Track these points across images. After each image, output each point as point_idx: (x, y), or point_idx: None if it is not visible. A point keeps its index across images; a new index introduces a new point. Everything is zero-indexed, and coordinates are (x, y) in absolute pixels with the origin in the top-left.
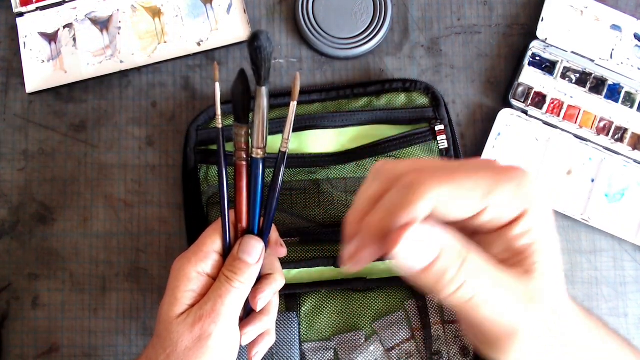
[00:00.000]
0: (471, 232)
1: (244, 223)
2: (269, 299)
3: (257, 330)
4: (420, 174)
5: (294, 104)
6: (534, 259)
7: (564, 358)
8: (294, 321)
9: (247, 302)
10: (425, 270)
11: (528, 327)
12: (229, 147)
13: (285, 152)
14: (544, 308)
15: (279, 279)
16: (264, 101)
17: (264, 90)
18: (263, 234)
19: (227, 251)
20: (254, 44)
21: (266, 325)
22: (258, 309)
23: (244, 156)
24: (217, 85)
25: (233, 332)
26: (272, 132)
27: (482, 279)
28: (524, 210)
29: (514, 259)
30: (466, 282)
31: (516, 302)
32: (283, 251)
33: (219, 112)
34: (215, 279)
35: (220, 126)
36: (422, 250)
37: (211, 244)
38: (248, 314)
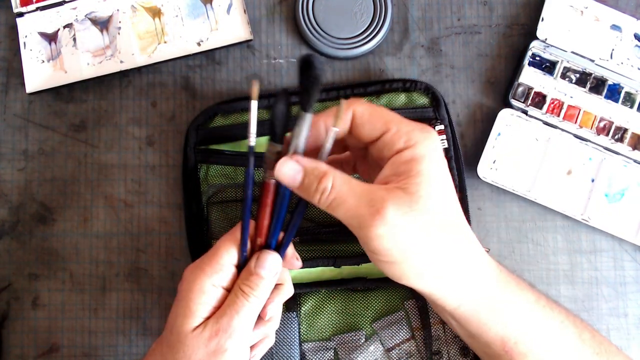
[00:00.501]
0: (376, 159)
1: (264, 238)
2: (278, 308)
3: (259, 335)
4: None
5: (254, 104)
6: (411, 180)
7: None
8: (294, 321)
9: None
10: (299, 186)
11: (389, 206)
12: (229, 146)
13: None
14: (411, 204)
15: (288, 289)
16: (306, 125)
17: (308, 117)
18: (281, 249)
19: (242, 264)
20: (310, 72)
21: (269, 330)
22: (266, 319)
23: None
24: (254, 103)
25: (246, 346)
26: None
27: (341, 188)
28: (413, 143)
29: (396, 179)
30: (326, 190)
31: (377, 191)
32: (298, 264)
33: (253, 130)
34: (229, 291)
35: (252, 144)
36: (292, 173)
37: (227, 256)
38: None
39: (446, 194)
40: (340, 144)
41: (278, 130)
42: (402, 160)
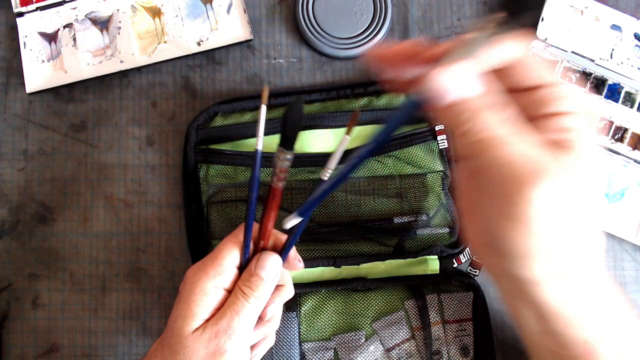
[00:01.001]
0: (520, 107)
1: (266, 240)
2: (278, 309)
3: (259, 336)
4: None
5: (263, 108)
6: (577, 150)
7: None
8: (294, 321)
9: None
10: (454, 106)
11: (555, 171)
12: (229, 146)
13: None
14: (576, 168)
15: (289, 290)
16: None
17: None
18: (283, 251)
19: (244, 265)
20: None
21: (269, 331)
22: (266, 319)
23: (283, 178)
24: (264, 107)
25: (247, 347)
26: (272, 132)
27: (507, 125)
28: (578, 111)
29: (561, 143)
30: (489, 119)
31: (543, 149)
32: (300, 266)
33: (261, 134)
34: (230, 292)
35: (259, 149)
36: (465, 82)
37: (229, 258)
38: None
39: (597, 182)
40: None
41: (289, 137)
42: (566, 125)
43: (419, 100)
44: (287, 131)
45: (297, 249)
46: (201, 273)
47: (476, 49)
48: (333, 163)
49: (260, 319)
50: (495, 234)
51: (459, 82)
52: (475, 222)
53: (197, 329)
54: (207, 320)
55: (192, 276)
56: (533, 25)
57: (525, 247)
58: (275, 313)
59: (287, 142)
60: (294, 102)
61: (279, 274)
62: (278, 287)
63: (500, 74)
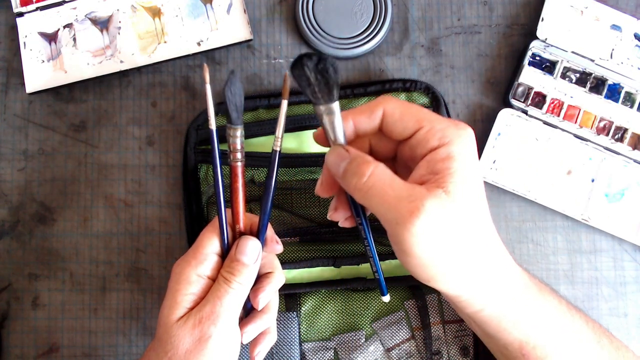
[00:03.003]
0: (406, 159)
1: (241, 224)
2: (270, 297)
3: (257, 329)
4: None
5: (284, 103)
6: (448, 180)
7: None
8: (294, 321)
9: (246, 302)
10: (342, 173)
11: (429, 206)
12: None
13: (277, 151)
14: (449, 204)
15: (279, 276)
16: (337, 116)
17: (336, 105)
18: (259, 234)
19: (225, 252)
20: (321, 65)
21: (267, 323)
22: (259, 308)
23: (240, 157)
24: (208, 87)
25: (233, 332)
26: (272, 133)
27: (380, 177)
28: (448, 141)
29: (433, 178)
30: (364, 175)
31: (417, 188)
32: (279, 248)
33: (211, 114)
34: (215, 281)
35: (213, 128)
36: (338, 160)
37: (209, 246)
38: (248, 313)
39: (480, 196)
40: (365, 147)
41: (233, 112)
42: (438, 158)
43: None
44: (230, 107)
45: (297, 249)
46: (184, 263)
47: (334, 132)
48: (279, 131)
49: (255, 310)
50: (404, 265)
51: (332, 158)
52: (397, 257)
53: (181, 317)
54: (192, 309)
55: (176, 267)
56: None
57: (427, 274)
58: (269, 302)
59: (234, 118)
60: (229, 77)
61: (259, 257)
62: (267, 274)
63: (385, 133)
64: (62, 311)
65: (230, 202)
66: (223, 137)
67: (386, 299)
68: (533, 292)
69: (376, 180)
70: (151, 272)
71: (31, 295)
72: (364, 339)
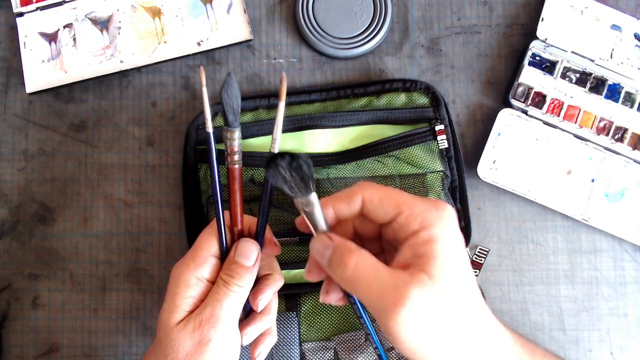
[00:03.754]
0: (390, 239)
1: (240, 226)
2: (269, 299)
3: (257, 330)
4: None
5: (282, 104)
6: (431, 262)
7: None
8: (294, 321)
9: (246, 303)
10: (327, 262)
11: (414, 293)
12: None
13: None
14: (433, 289)
15: (278, 278)
16: (316, 205)
17: (314, 196)
18: (258, 236)
19: (224, 255)
20: (294, 162)
21: (266, 324)
22: (259, 310)
23: (237, 159)
24: (204, 89)
25: (233, 335)
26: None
27: (364, 267)
28: (429, 224)
29: (416, 262)
30: (347, 266)
31: (402, 274)
32: (277, 249)
33: (208, 116)
34: (214, 283)
35: (210, 130)
36: (322, 248)
37: (208, 249)
38: (248, 314)
39: (465, 275)
40: (349, 229)
41: (230, 114)
42: (420, 241)
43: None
44: (227, 110)
45: (297, 249)
46: (183, 266)
47: (315, 221)
48: (276, 133)
49: (254, 311)
50: (395, 347)
51: (316, 246)
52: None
53: (181, 320)
54: (192, 312)
55: (175, 270)
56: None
57: (417, 358)
58: (269, 303)
59: (231, 121)
60: (226, 79)
61: (258, 259)
62: (267, 275)
63: (367, 218)
64: (62, 311)
65: (229, 205)
66: (221, 138)
67: None
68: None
69: (360, 271)
70: (151, 272)
71: (31, 295)
72: (364, 339)
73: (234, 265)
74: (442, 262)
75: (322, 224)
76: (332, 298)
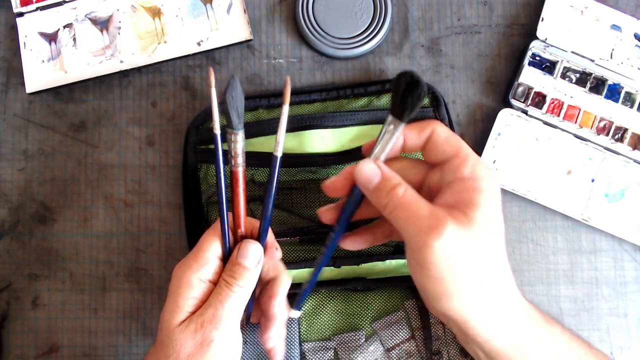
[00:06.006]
0: (432, 186)
1: (242, 228)
2: (284, 301)
3: (278, 335)
4: None
5: (286, 108)
6: (472, 209)
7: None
8: (294, 321)
9: (248, 305)
10: (373, 188)
11: (451, 226)
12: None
13: (277, 157)
14: (470, 229)
15: (287, 278)
16: (397, 135)
17: (401, 127)
18: (260, 238)
19: (227, 256)
20: (416, 89)
21: (281, 324)
22: (277, 314)
23: (240, 162)
24: (213, 91)
25: (235, 336)
26: (272, 132)
27: (410, 197)
28: (479, 175)
29: (457, 205)
30: (396, 195)
31: (441, 210)
32: (278, 254)
33: (216, 117)
34: (216, 284)
35: (217, 132)
36: (370, 174)
37: (210, 250)
38: (249, 316)
39: (499, 230)
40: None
41: (234, 116)
42: (466, 187)
43: (358, 193)
44: (231, 112)
45: (297, 249)
46: (185, 267)
47: (385, 146)
48: (280, 136)
49: (268, 319)
50: (418, 280)
51: (373, 172)
52: (411, 273)
53: (183, 321)
54: (193, 313)
55: (177, 271)
56: (417, 116)
57: (439, 290)
58: (283, 307)
59: (235, 123)
60: (230, 81)
61: (261, 260)
62: (275, 278)
63: (424, 153)
64: (62, 311)
65: (232, 207)
66: (223, 137)
67: (295, 314)
68: (540, 324)
69: (404, 200)
70: (151, 272)
71: (31, 295)
72: (364, 339)
73: (237, 266)
74: (483, 211)
75: (386, 153)
76: (328, 217)
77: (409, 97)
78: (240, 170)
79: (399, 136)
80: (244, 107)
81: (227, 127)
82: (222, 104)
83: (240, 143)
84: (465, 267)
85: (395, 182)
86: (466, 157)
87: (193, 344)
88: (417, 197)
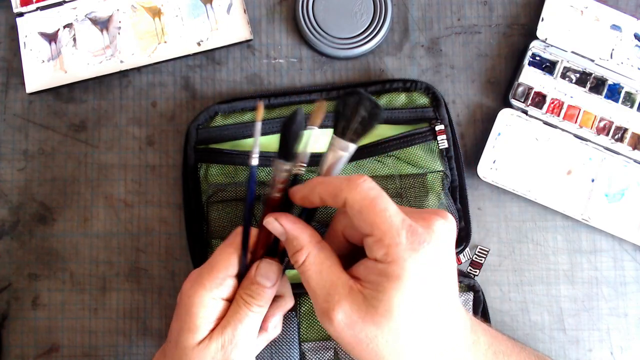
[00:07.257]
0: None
1: (263, 250)
2: (279, 321)
3: (262, 344)
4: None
5: (258, 125)
6: (376, 294)
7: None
8: (293, 321)
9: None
10: (285, 243)
11: (340, 314)
12: (229, 145)
13: (254, 166)
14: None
15: (289, 301)
16: (343, 161)
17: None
18: (282, 257)
19: (243, 273)
20: (369, 114)
21: (270, 337)
22: (269, 332)
23: (279, 190)
24: (259, 124)
25: (252, 353)
26: (272, 132)
27: (310, 267)
28: (391, 260)
29: (363, 284)
30: (297, 263)
31: (338, 288)
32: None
33: (256, 150)
34: (230, 301)
35: (255, 164)
36: (279, 231)
37: (226, 269)
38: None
39: (412, 316)
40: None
41: (289, 149)
42: (377, 270)
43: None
44: (287, 143)
45: None
46: (197, 286)
47: (325, 166)
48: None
49: (263, 329)
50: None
51: (278, 231)
52: None
53: (201, 341)
54: (212, 331)
55: (190, 289)
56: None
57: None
58: (277, 323)
59: (286, 154)
60: (294, 113)
61: (278, 280)
62: (277, 298)
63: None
64: (62, 311)
65: (259, 227)
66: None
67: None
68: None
69: (304, 269)
70: (151, 272)
71: (31, 295)
72: None
73: (255, 285)
74: (390, 298)
75: (330, 173)
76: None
77: (362, 119)
78: (276, 197)
79: (317, 188)
80: (298, 142)
81: (279, 157)
82: (283, 134)
83: (284, 173)
84: (366, 351)
85: (297, 246)
86: (379, 238)
87: None
88: (320, 266)
